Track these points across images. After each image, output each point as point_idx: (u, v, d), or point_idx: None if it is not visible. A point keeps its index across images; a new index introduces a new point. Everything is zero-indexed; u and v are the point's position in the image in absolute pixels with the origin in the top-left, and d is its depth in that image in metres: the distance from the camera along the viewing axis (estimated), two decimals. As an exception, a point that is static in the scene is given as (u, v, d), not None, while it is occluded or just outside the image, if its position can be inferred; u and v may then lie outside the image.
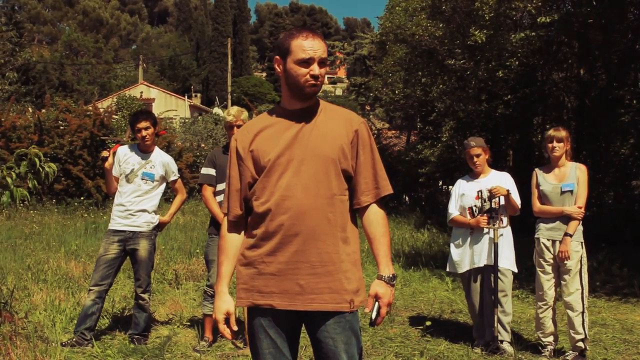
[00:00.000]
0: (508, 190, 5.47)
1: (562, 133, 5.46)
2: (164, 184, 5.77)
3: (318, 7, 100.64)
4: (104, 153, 5.69)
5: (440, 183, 19.09)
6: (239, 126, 5.48)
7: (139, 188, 5.55)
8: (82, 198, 15.89)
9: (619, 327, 6.50)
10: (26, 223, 12.97)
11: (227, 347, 5.55)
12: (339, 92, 70.05)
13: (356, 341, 2.65)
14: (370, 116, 31.58)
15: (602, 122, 11.59)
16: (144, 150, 5.67)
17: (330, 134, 2.65)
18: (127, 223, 5.53)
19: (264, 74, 71.04)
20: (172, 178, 5.80)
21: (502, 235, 5.55)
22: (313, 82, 2.61)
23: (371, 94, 24.08)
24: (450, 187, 14.20)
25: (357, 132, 2.68)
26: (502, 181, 5.62)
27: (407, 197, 20.05)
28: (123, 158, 5.61)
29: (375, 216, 2.70)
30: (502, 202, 5.54)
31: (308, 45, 2.57)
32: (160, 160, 5.69)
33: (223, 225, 2.79)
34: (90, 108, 17.49)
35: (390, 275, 2.61)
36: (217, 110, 37.79)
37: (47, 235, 11.28)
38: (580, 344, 5.28)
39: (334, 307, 2.59)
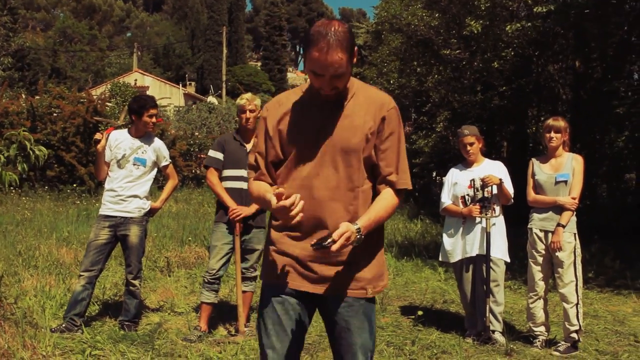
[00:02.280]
0: (501, 180, 5.44)
1: (561, 123, 5.42)
2: (156, 170, 5.72)
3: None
4: (97, 135, 5.61)
5: (434, 174, 19.07)
6: (251, 111, 5.47)
7: (130, 173, 5.50)
8: (74, 185, 15.79)
9: (610, 319, 6.50)
10: (18, 209, 12.88)
11: (219, 334, 5.53)
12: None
13: (369, 328, 2.68)
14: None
15: (597, 114, 11.57)
16: (135, 135, 5.61)
17: (357, 121, 2.63)
18: (118, 208, 5.47)
19: (259, 64, 70.82)
20: (164, 163, 5.74)
21: (494, 224, 5.53)
22: (326, 92, 2.58)
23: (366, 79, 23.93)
24: (444, 178, 14.16)
25: (384, 118, 2.64)
26: (495, 170, 5.58)
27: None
28: (114, 143, 5.55)
29: (387, 195, 2.66)
30: (495, 191, 5.52)
31: (320, 64, 2.48)
32: (152, 146, 5.63)
33: (253, 181, 2.81)
34: (84, 95, 17.39)
35: (361, 228, 2.51)
36: (211, 99, 37.65)
37: (38, 221, 11.21)
38: (574, 335, 5.28)
39: (350, 292, 2.63)
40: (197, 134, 22.90)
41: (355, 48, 2.57)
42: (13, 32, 35.71)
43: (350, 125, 2.62)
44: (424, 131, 15.47)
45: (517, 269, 8.24)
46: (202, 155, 20.83)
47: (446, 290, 7.61)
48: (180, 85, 47.95)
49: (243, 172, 5.44)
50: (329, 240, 2.41)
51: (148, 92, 36.71)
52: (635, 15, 11.19)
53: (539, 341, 5.44)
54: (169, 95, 34.52)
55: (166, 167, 5.79)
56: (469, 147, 5.67)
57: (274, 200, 2.46)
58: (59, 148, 15.86)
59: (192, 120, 26.81)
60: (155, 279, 7.70)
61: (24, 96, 19.39)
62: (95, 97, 17.76)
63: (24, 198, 14.31)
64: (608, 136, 11.69)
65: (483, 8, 11.48)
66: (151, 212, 5.73)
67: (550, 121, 5.49)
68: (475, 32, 11.51)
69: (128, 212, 5.48)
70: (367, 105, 2.65)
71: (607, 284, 8.23)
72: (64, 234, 9.91)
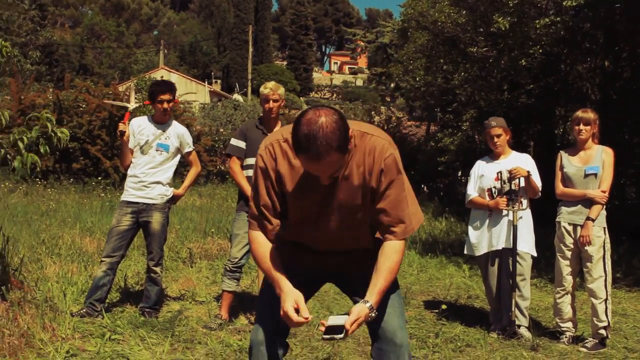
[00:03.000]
0: (528, 172, 5.34)
1: (590, 115, 5.30)
2: (179, 156, 5.69)
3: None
4: (122, 127, 5.59)
5: (460, 173, 18.89)
6: (275, 100, 5.43)
7: (153, 159, 5.47)
8: (99, 178, 15.88)
9: (639, 318, 6.36)
10: (43, 200, 12.96)
11: (240, 322, 5.49)
12: (359, 82, 69.83)
13: (398, 298, 2.79)
14: (391, 107, 31.39)
15: (626, 113, 11.36)
16: (158, 122, 5.59)
17: (356, 181, 2.62)
18: (141, 195, 5.45)
19: (285, 63, 70.89)
20: (187, 150, 5.71)
21: (521, 218, 5.42)
22: (324, 183, 2.56)
23: (392, 84, 23.89)
24: (469, 177, 14.03)
25: (382, 170, 2.60)
26: (522, 162, 5.48)
27: (425, 188, 19.87)
28: (137, 129, 5.53)
29: (390, 249, 2.65)
30: (522, 184, 5.41)
31: (313, 170, 2.47)
32: (175, 132, 5.60)
33: (257, 233, 2.74)
34: (110, 90, 17.48)
35: (373, 305, 2.54)
36: (237, 96, 37.75)
37: (62, 212, 11.27)
38: (602, 331, 5.15)
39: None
40: (222, 130, 22.91)
41: (350, 131, 2.47)
42: (41, 27, 36.06)
43: (350, 187, 2.61)
44: (450, 129, 15.32)
45: (543, 267, 8.11)
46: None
47: (471, 286, 7.50)
48: (206, 82, 48.15)
49: None
50: (341, 335, 2.42)
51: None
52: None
53: (565, 337, 5.32)
54: (194, 91, 34.64)
55: (189, 153, 5.76)
56: (496, 139, 5.57)
57: (292, 314, 2.49)
58: (84, 141, 15.94)
59: (217, 117, 26.83)
60: (177, 270, 7.69)
61: (51, 90, 19.54)
62: (121, 92, 17.85)
63: (49, 190, 14.41)
64: (637, 137, 11.46)
65: (511, 5, 11.32)
66: (174, 199, 5.70)
67: (579, 113, 5.37)
68: (503, 29, 11.35)
69: (150, 199, 5.46)
70: (364, 161, 2.60)
71: (636, 283, 8.06)
72: (88, 224, 9.95)
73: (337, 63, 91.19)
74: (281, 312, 2.51)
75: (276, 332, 2.72)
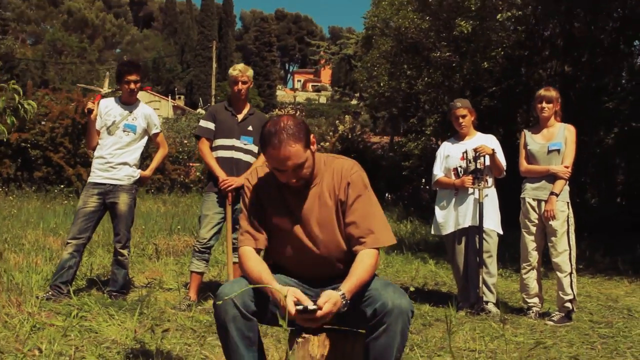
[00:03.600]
0: (493, 150, 5.43)
1: (552, 93, 5.42)
2: (146, 138, 5.66)
3: (304, 15, 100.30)
4: (90, 105, 5.56)
5: (424, 181, 19.03)
6: (244, 82, 5.49)
7: (120, 140, 5.44)
8: (62, 186, 15.65)
9: (603, 298, 6.46)
10: (5, 207, 12.73)
11: (209, 304, 5.45)
12: (323, 99, 70.04)
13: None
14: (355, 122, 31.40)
15: (585, 113, 11.59)
16: (125, 102, 5.56)
17: (328, 201, 2.77)
18: (108, 176, 5.41)
19: (249, 80, 70.76)
20: (154, 131, 5.69)
21: (487, 195, 5.50)
22: (294, 183, 2.70)
23: (356, 94, 23.93)
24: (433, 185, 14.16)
25: (349, 184, 2.76)
26: (487, 142, 5.58)
27: (390, 196, 19.97)
28: (104, 110, 5.50)
29: (363, 254, 2.72)
30: (488, 162, 5.50)
31: (278, 159, 2.61)
32: (142, 112, 5.58)
33: (246, 248, 2.80)
34: (74, 95, 17.26)
35: (346, 294, 2.54)
36: (201, 110, 37.59)
37: (26, 215, 11.09)
38: (568, 304, 5.23)
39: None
40: (186, 142, 22.80)
41: (312, 135, 2.69)
42: (2, 35, 35.49)
43: (324, 205, 2.77)
44: (414, 134, 15.44)
45: (508, 258, 8.19)
46: (190, 164, 20.77)
47: (437, 273, 7.57)
48: (170, 97, 47.89)
49: (234, 142, 5.45)
50: (314, 307, 2.43)
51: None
52: (623, 17, 11.28)
53: (532, 312, 5.40)
54: (157, 107, 34.41)
55: (157, 135, 5.74)
56: (461, 119, 5.66)
57: (291, 307, 2.46)
58: (47, 149, 15.72)
59: (181, 129, 26.73)
60: (144, 264, 7.60)
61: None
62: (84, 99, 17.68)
63: (10, 197, 14.17)
64: (597, 136, 11.70)
65: (473, 8, 11.53)
66: (141, 181, 5.66)
67: (542, 91, 5.48)
68: (466, 32, 11.55)
69: (117, 180, 5.42)
70: (333, 180, 2.78)
71: (598, 272, 8.20)
72: (51, 225, 9.80)
73: (300, 81, 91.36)
74: (289, 309, 2.45)
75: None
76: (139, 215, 10.89)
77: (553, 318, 5.22)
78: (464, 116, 5.65)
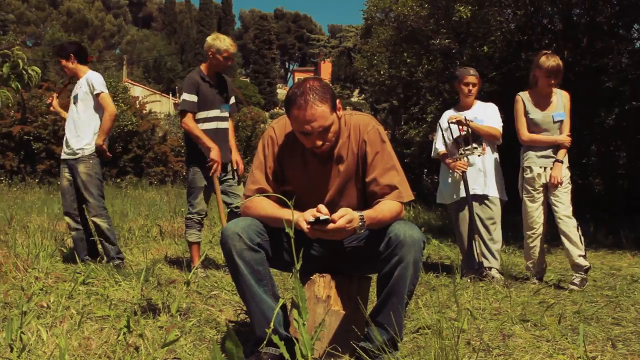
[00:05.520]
0: (465, 118, 5.46)
1: (558, 62, 5.38)
2: (99, 111, 5.57)
3: (303, 14, 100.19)
4: (49, 99, 5.97)
5: (425, 171, 19.02)
6: (232, 56, 5.51)
7: (72, 113, 5.60)
8: (64, 178, 15.69)
9: (607, 269, 6.48)
10: (9, 197, 12.78)
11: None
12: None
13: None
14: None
15: (586, 93, 11.60)
16: (73, 79, 5.75)
17: (350, 154, 2.77)
18: (67, 152, 5.60)
19: (248, 79, 70.92)
20: (96, 92, 5.53)
21: (484, 161, 5.54)
22: (319, 148, 2.66)
23: (356, 89, 23.86)
24: (435, 177, 14.23)
25: (366, 142, 2.75)
26: (481, 109, 5.63)
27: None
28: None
29: (391, 202, 2.72)
30: (466, 129, 5.55)
31: (303, 121, 2.58)
32: (85, 78, 5.61)
33: (255, 198, 2.78)
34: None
35: (365, 218, 2.57)
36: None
37: (29, 204, 11.13)
38: (581, 260, 5.21)
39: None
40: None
41: (338, 100, 2.65)
42: (2, 31, 35.55)
43: (345, 170, 2.78)
44: (415, 122, 15.45)
45: (512, 237, 8.18)
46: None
47: (441, 248, 7.58)
48: (171, 95, 47.98)
49: (217, 112, 5.50)
50: (326, 217, 2.45)
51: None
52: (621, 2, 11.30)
53: (537, 279, 5.41)
54: (158, 99, 34.49)
55: (98, 95, 5.54)
56: (471, 87, 5.69)
57: (307, 216, 2.51)
58: (49, 141, 15.78)
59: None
60: (148, 244, 7.64)
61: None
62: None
63: (14, 188, 14.21)
64: (598, 118, 11.70)
65: (473, -6, 11.57)
66: (100, 153, 5.59)
67: (551, 63, 5.37)
68: (465, 17, 11.58)
69: (73, 154, 5.53)
70: (353, 139, 2.78)
71: (599, 247, 8.23)
72: (55, 211, 9.83)
73: (300, 79, 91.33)
74: (305, 218, 2.52)
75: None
76: (142, 202, 10.94)
77: (575, 281, 5.17)
78: (474, 84, 5.70)
